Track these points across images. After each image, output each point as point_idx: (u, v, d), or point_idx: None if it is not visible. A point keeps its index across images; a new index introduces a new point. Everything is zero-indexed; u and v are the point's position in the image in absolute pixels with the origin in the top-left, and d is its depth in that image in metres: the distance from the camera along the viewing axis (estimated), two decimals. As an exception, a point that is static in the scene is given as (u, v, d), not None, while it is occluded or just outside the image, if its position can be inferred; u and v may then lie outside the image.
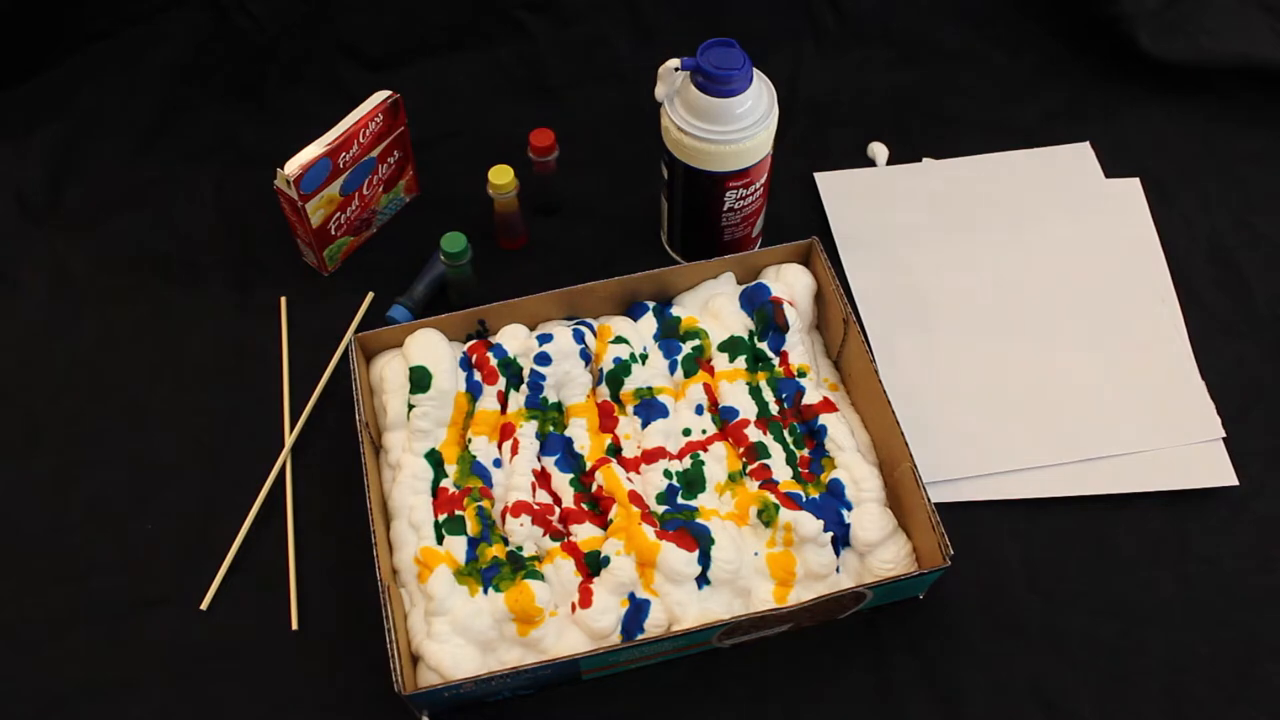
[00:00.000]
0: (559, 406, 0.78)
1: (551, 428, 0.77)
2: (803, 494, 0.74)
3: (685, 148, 0.78)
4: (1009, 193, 0.95)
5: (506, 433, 0.76)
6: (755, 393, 0.78)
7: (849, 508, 0.73)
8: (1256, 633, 0.73)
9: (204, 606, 0.74)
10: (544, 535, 0.73)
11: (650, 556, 0.70)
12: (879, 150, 0.98)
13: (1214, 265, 0.91)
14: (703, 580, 0.70)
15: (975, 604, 0.74)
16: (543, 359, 0.77)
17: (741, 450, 0.76)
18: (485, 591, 0.69)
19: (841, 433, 0.76)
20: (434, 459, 0.75)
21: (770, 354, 0.80)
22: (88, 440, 0.81)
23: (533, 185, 0.91)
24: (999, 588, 0.75)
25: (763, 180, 0.83)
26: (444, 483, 0.74)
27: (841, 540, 0.72)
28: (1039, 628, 0.73)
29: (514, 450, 0.75)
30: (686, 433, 0.77)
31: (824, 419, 0.76)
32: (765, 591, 0.71)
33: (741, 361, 0.79)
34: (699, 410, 0.78)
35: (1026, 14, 1.06)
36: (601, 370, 0.79)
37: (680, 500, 0.74)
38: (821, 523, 0.71)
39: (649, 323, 0.81)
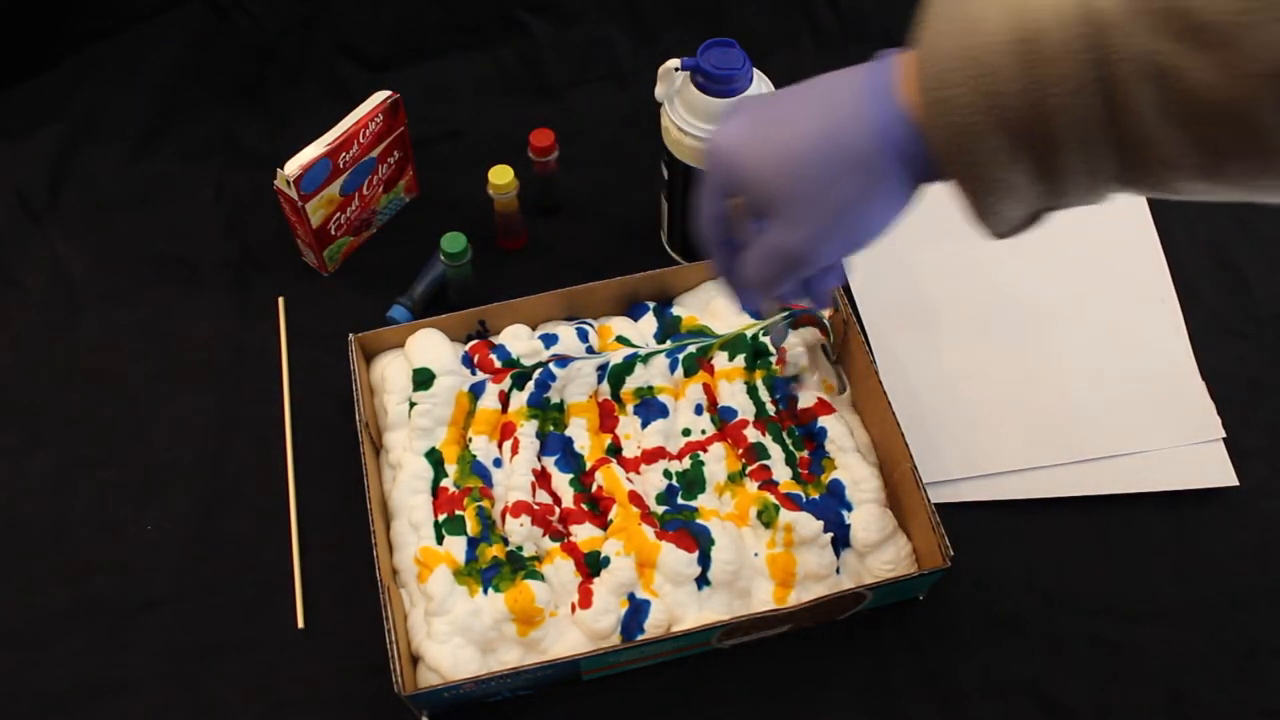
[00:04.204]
0: (560, 406, 0.78)
1: (552, 427, 0.77)
2: (802, 495, 0.74)
3: (685, 148, 0.78)
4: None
5: (507, 432, 0.76)
6: (753, 392, 0.78)
7: (849, 508, 0.73)
8: (1256, 633, 0.73)
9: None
10: (544, 535, 0.73)
11: (650, 557, 0.70)
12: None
13: (1214, 265, 0.91)
14: (703, 581, 0.70)
15: (975, 604, 0.74)
16: (561, 361, 0.77)
17: (741, 451, 0.76)
18: (485, 592, 0.69)
19: (841, 433, 0.76)
20: (434, 458, 0.75)
21: (771, 349, 0.79)
22: (88, 440, 0.81)
23: (533, 185, 0.91)
24: (999, 588, 0.75)
25: (763, 180, 0.83)
26: (444, 482, 0.74)
27: (841, 541, 0.72)
28: (1039, 628, 0.73)
29: (514, 450, 0.75)
30: (686, 433, 0.77)
31: (823, 420, 0.76)
32: (765, 592, 0.71)
33: (741, 360, 0.79)
34: (698, 410, 0.78)
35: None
36: (604, 367, 0.79)
37: (680, 501, 0.74)
38: (821, 523, 0.71)
39: (649, 323, 0.81)
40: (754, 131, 0.50)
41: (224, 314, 0.88)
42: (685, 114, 0.77)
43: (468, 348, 0.79)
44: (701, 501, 0.74)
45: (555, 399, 0.78)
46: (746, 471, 0.76)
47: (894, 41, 0.47)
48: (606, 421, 0.78)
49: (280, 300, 0.88)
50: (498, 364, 0.77)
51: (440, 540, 0.71)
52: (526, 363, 0.78)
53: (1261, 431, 0.82)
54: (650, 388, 0.78)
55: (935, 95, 0.44)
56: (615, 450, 0.77)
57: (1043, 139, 0.43)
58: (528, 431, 0.76)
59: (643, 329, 0.81)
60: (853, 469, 0.74)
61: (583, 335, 0.79)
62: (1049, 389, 0.83)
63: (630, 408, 0.78)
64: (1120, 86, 0.40)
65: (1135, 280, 0.90)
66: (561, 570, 0.70)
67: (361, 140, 0.83)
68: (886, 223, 0.49)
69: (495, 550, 0.71)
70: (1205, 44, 0.38)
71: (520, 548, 0.72)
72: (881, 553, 0.72)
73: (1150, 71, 0.40)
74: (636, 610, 0.69)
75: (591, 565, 0.71)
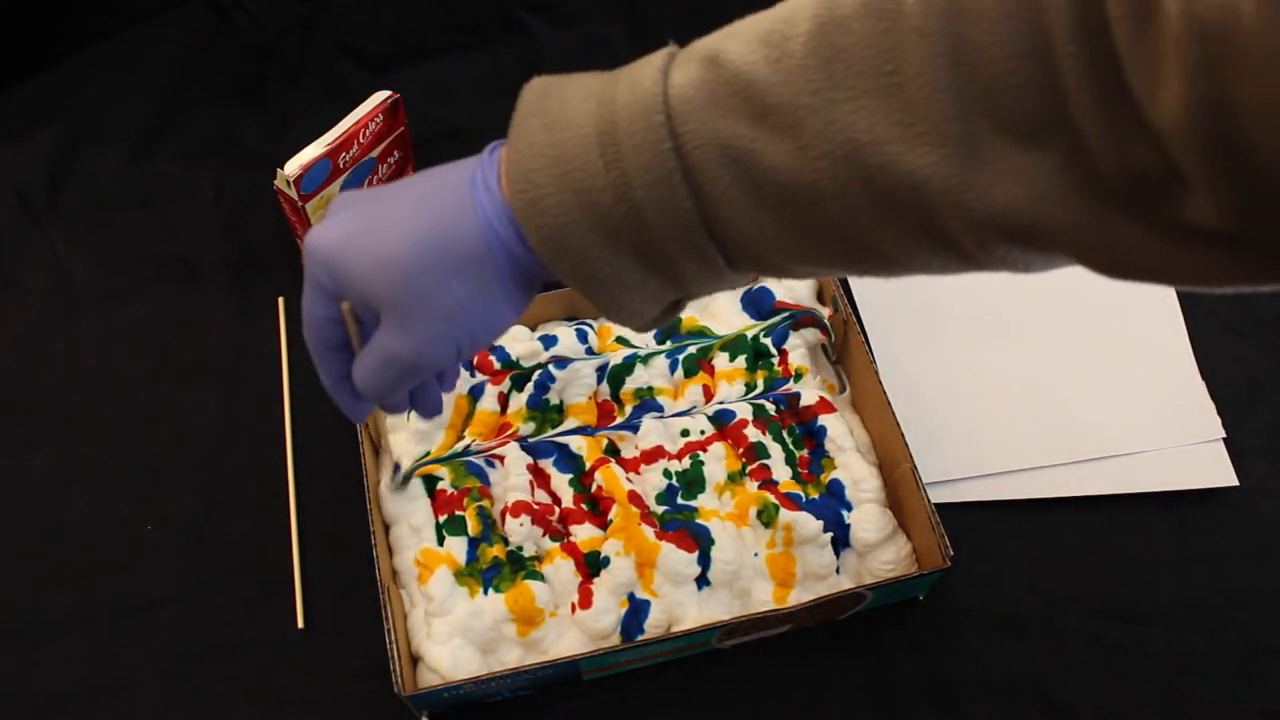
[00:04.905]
0: (560, 408, 0.78)
1: (549, 429, 0.77)
2: (802, 494, 0.74)
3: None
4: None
5: (502, 432, 0.76)
6: (752, 391, 0.78)
7: (849, 508, 0.73)
8: (1256, 633, 0.73)
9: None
10: (544, 535, 0.73)
11: (650, 557, 0.70)
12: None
13: (1214, 265, 0.91)
14: (703, 581, 0.70)
15: (975, 604, 0.75)
16: (561, 363, 0.77)
17: (741, 450, 0.76)
18: (485, 592, 0.69)
19: (841, 433, 0.76)
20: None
21: (772, 350, 0.79)
22: (88, 440, 0.81)
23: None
24: (999, 588, 0.75)
25: (763, 180, 0.83)
26: (441, 484, 0.74)
27: (841, 541, 0.72)
28: (1039, 628, 0.73)
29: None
30: (685, 433, 0.77)
31: (823, 419, 0.76)
32: (765, 592, 0.71)
33: (742, 360, 0.79)
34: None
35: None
36: (604, 368, 0.79)
37: (680, 500, 0.74)
38: (821, 523, 0.71)
39: (649, 323, 0.81)
40: (355, 231, 0.45)
41: (224, 314, 0.88)
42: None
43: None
44: (701, 501, 0.74)
45: (555, 400, 0.78)
46: (746, 471, 0.76)
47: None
48: (604, 422, 0.78)
49: (280, 300, 0.88)
50: (497, 365, 0.77)
51: (441, 541, 0.71)
52: (526, 364, 0.78)
53: (1261, 431, 0.82)
54: (650, 388, 0.78)
55: (525, 197, 0.41)
56: (614, 451, 0.77)
57: (639, 234, 0.41)
58: (524, 433, 0.76)
59: (642, 329, 0.81)
60: (852, 468, 0.74)
61: (582, 336, 0.79)
62: (1049, 389, 0.83)
63: (629, 409, 0.78)
64: (701, 174, 0.39)
65: (1135, 280, 0.90)
66: (561, 570, 0.70)
67: (361, 140, 0.83)
68: (507, 322, 0.47)
69: (496, 550, 0.71)
70: (776, 126, 0.37)
71: (520, 547, 0.72)
72: (881, 553, 0.72)
73: (729, 157, 0.38)
74: (636, 610, 0.69)
75: (591, 565, 0.71)
